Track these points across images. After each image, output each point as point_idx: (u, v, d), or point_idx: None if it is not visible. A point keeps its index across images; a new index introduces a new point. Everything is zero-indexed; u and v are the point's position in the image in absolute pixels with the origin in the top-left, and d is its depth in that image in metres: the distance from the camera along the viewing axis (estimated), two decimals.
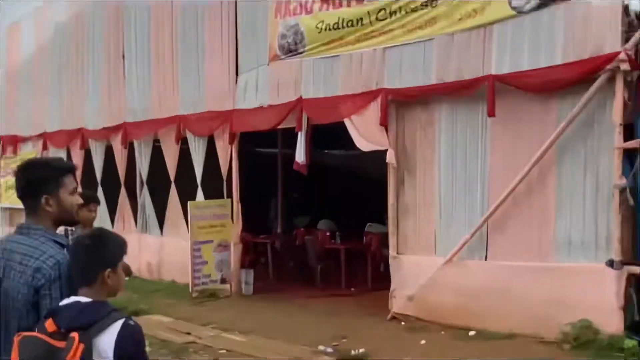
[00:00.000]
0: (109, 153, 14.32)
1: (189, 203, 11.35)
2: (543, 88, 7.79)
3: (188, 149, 12.50)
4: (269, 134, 12.22)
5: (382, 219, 11.60)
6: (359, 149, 9.81)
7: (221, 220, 11.44)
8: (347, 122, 9.63)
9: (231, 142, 11.58)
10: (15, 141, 17.26)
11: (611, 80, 7.32)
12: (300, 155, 10.32)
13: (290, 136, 10.68)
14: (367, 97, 9.42)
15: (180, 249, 11.77)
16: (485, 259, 8.46)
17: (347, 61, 9.79)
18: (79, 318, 2.53)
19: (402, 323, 8.91)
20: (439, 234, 8.92)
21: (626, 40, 7.24)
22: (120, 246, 2.76)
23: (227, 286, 11.52)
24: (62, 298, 2.70)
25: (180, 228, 12.54)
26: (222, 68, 11.76)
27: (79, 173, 14.85)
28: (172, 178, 12.78)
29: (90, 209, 6.30)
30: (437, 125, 8.94)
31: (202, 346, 8.45)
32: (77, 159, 15.03)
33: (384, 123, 9.19)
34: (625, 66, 7.13)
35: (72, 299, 2.63)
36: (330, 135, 12.23)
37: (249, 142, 13.41)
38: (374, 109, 9.31)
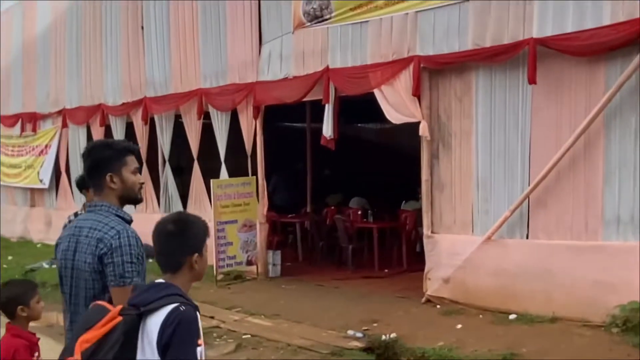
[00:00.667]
0: (129, 129, 14.34)
1: (212, 181, 11.29)
2: (589, 51, 7.47)
3: (211, 124, 12.43)
4: (296, 107, 12.07)
5: (418, 196, 11.44)
6: (391, 122, 9.62)
7: (246, 199, 11.36)
8: (377, 92, 9.45)
9: (255, 116, 11.47)
10: (34, 118, 17.39)
11: None
12: (327, 130, 10.17)
13: (319, 109, 10.52)
14: (398, 65, 9.20)
15: None
16: (527, 238, 8.23)
17: (376, 27, 9.56)
18: (140, 295, 2.64)
19: (437, 306, 8.76)
20: (477, 211, 8.70)
21: None
22: (204, 229, 2.83)
23: (253, 268, 11.48)
24: (124, 265, 3.07)
25: (203, 207, 12.52)
26: (244, 38, 11.62)
27: None
28: (194, 155, 12.74)
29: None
30: (473, 94, 8.68)
31: (225, 331, 8.42)
32: (97, 136, 15.11)
33: (417, 93, 8.97)
34: None
35: (153, 281, 2.74)
36: (361, 108, 12.06)
37: (275, 116, 13.30)
38: (405, 78, 9.10)
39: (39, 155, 17.10)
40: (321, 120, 10.37)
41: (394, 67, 9.24)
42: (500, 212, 8.35)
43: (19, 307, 4.03)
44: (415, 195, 12.18)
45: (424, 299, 9.04)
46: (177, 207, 13.37)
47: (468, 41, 8.51)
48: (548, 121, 8.03)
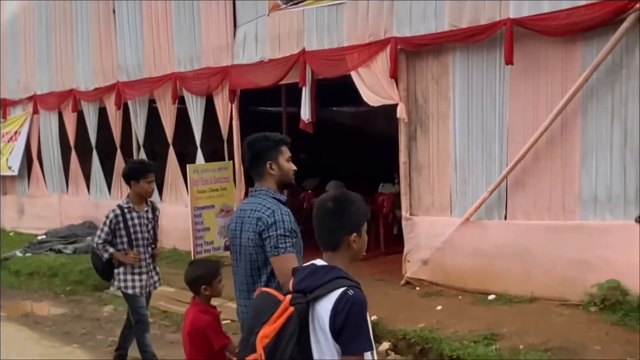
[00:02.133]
0: (102, 115, 14.21)
1: (188, 166, 11.23)
2: (565, 31, 7.50)
3: (186, 108, 12.33)
4: (272, 90, 12.01)
5: (395, 179, 11.48)
6: (368, 105, 9.61)
7: (222, 184, 11.32)
8: (354, 75, 9.42)
9: (231, 101, 11.39)
10: (4, 105, 17.15)
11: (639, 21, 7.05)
12: (305, 113, 10.13)
13: (295, 93, 10.48)
14: (375, 47, 9.17)
15: (181, 215, 11.69)
16: (505, 219, 8.29)
17: (352, 9, 9.52)
18: (304, 281, 2.67)
19: (417, 288, 8.81)
20: (455, 193, 8.74)
21: None
22: (363, 209, 2.87)
23: None
24: (277, 238, 3.54)
25: (179, 193, 12.49)
26: (218, 21, 11.52)
27: (72, 137, 14.81)
28: (169, 140, 12.65)
29: (148, 180, 6.28)
30: (451, 75, 8.69)
31: None
32: (70, 122, 14.94)
33: (394, 75, 8.97)
34: None
35: (311, 262, 2.82)
36: (337, 91, 12.03)
37: (251, 100, 13.22)
38: (382, 60, 9.09)
39: (9, 142, 16.86)
40: (297, 104, 10.33)
41: (371, 49, 9.22)
42: (478, 194, 8.40)
43: (203, 286, 4.52)
44: (392, 178, 12.21)
45: (403, 281, 9.08)
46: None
47: (445, 22, 8.50)
48: (525, 102, 8.06)
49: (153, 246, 6.57)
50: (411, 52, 8.98)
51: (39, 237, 14.03)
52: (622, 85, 7.36)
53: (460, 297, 8.21)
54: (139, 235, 6.38)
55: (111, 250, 6.31)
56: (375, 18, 9.24)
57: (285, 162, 3.82)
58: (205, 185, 11.06)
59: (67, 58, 15.04)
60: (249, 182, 12.00)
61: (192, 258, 10.81)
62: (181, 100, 12.42)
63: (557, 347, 6.27)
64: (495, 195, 8.27)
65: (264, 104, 17.49)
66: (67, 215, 15.34)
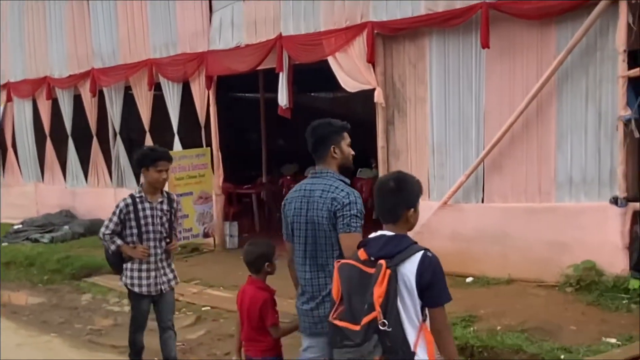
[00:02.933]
0: (77, 102, 14.09)
1: None
2: (540, 14, 7.58)
3: (162, 95, 12.27)
4: (249, 76, 11.98)
5: (373, 164, 11.52)
6: (346, 90, 9.63)
7: (201, 171, 11.30)
8: (331, 60, 9.44)
9: (208, 87, 11.36)
10: None
11: (614, 3, 7.12)
12: (282, 99, 10.13)
13: (272, 78, 10.47)
14: (352, 32, 9.20)
15: None
16: (482, 202, 8.38)
17: None
18: (385, 248, 3.11)
19: None
20: (433, 177, 8.82)
21: None
22: (418, 187, 3.37)
23: (210, 240, 11.46)
24: (351, 217, 3.86)
25: None
26: (194, 6, 11.46)
27: (47, 125, 14.68)
28: (146, 127, 12.59)
29: (158, 169, 5.74)
30: (427, 59, 8.74)
31: (184, 304, 8.42)
32: (44, 110, 14.81)
33: (371, 60, 9.00)
34: None
35: (379, 232, 3.24)
36: (316, 76, 12.02)
37: (228, 86, 13.19)
38: (359, 45, 9.11)
39: None
40: (274, 90, 10.33)
41: (348, 33, 9.23)
42: (455, 177, 8.48)
43: (266, 263, 4.69)
44: (369, 163, 12.26)
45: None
46: (130, 180, 13.24)
47: (421, 6, 8.54)
48: (501, 85, 8.14)
49: (168, 240, 5.96)
50: (388, 36, 9.01)
51: (15, 227, 13.93)
52: (596, 67, 7.45)
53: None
54: (150, 228, 5.80)
55: (119, 242, 5.79)
56: (351, 2, 9.25)
57: (346, 147, 4.09)
58: (183, 172, 11.04)
59: (40, 44, 14.87)
60: (227, 169, 11.98)
61: None
62: (157, 87, 12.35)
63: (533, 328, 6.36)
64: (472, 178, 8.35)
65: (241, 90, 17.43)
66: (43, 204, 15.23)
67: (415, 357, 3.05)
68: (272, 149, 15.38)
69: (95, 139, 13.86)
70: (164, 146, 11.62)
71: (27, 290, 10.35)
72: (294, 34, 9.98)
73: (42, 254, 11.71)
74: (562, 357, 5.76)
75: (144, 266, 5.84)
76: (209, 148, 11.54)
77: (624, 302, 6.85)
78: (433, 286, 3.06)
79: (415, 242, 3.18)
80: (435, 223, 8.51)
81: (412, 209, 3.29)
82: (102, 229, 5.83)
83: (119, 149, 13.43)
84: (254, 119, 14.85)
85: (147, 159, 5.75)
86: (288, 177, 13.59)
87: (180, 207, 6.08)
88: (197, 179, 11.24)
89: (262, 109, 14.53)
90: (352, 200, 3.95)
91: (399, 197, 3.26)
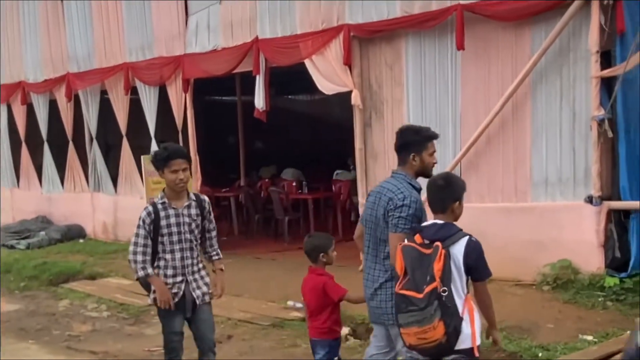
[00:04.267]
0: (53, 107, 13.98)
1: (142, 157, 11.13)
2: (514, 16, 7.66)
3: (139, 99, 12.21)
4: (226, 79, 11.97)
5: (350, 166, 11.56)
6: (322, 92, 9.64)
7: None
8: (307, 62, 9.45)
9: (185, 90, 11.32)
10: None
11: (586, 4, 7.21)
12: (259, 101, 10.11)
13: (249, 81, 10.46)
14: (328, 34, 9.21)
15: (137, 206, 11.46)
16: None
17: None
18: (438, 233, 3.76)
19: None
20: None
21: None
22: (462, 184, 4.03)
23: None
24: (407, 218, 4.13)
25: (135, 185, 12.40)
26: (170, 9, 11.42)
27: (22, 130, 14.54)
28: (123, 131, 12.52)
29: (172, 169, 4.98)
30: (403, 62, 8.78)
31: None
32: (19, 115, 14.67)
33: (348, 62, 9.03)
34: None
35: (431, 221, 3.92)
36: (294, 79, 12.04)
37: (205, 89, 13.16)
38: (336, 47, 9.13)
39: None
40: (252, 93, 10.32)
41: (324, 36, 9.25)
42: None
43: (321, 253, 5.07)
44: (347, 165, 12.30)
45: (361, 267, 9.15)
46: (107, 185, 13.17)
47: (396, 8, 8.57)
48: (477, 86, 8.20)
49: (213, 254, 5.40)
50: (364, 38, 9.04)
51: None
52: (570, 68, 7.54)
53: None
54: (176, 238, 5.05)
55: (150, 271, 5.00)
56: (327, 5, 9.27)
57: (428, 156, 4.29)
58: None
59: (14, 49, 14.73)
60: (205, 172, 11.94)
61: None
62: (134, 91, 12.29)
63: (511, 326, 6.41)
64: None
65: (218, 93, 17.40)
66: (19, 210, 15.07)
67: (463, 322, 3.72)
68: (250, 152, 15.37)
69: (71, 144, 13.75)
70: (140, 151, 11.79)
71: (4, 297, 10.22)
72: (271, 37, 9.97)
73: (18, 260, 11.60)
74: (539, 354, 5.82)
75: (169, 278, 5.06)
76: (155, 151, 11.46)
77: (600, 299, 6.93)
78: (477, 264, 3.76)
79: (461, 229, 3.80)
80: None
81: (458, 202, 3.91)
82: (131, 254, 5.05)
83: (95, 153, 13.34)
84: (232, 121, 14.82)
85: (159, 161, 5.02)
86: (266, 180, 13.60)
87: (211, 210, 5.36)
88: None
89: (239, 111, 14.49)
90: (406, 203, 4.17)
91: (447, 192, 3.90)
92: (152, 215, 5.02)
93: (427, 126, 4.55)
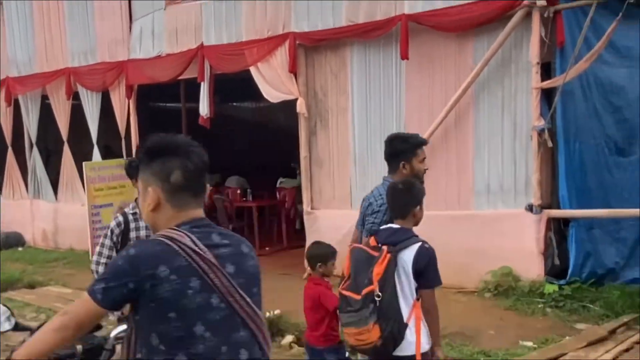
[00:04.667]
0: None
1: (84, 164, 10.86)
2: (458, 27, 7.75)
3: (81, 104, 11.94)
4: (171, 86, 11.79)
5: (296, 173, 11.52)
6: (267, 100, 9.58)
7: (121, 182, 10.99)
8: (253, 70, 9.38)
9: (128, 96, 11.11)
10: None
11: (527, 17, 7.34)
12: (204, 109, 10.01)
13: (194, 88, 10.33)
14: (274, 42, 9.17)
15: (78, 214, 11.31)
16: None
17: (250, 3, 9.48)
18: (391, 237, 3.77)
19: None
20: (355, 186, 8.86)
21: None
22: (422, 189, 4.01)
23: None
24: (380, 224, 4.13)
25: (76, 192, 12.10)
26: (113, 14, 11.21)
27: None
28: (64, 137, 12.22)
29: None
30: (349, 70, 8.80)
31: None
32: None
33: (293, 70, 9.00)
34: (541, 1, 7.16)
35: (389, 225, 3.93)
36: (237, 86, 11.94)
37: (149, 95, 12.94)
38: (281, 55, 9.09)
39: None
40: (196, 100, 10.19)
41: (270, 43, 9.20)
42: None
43: (319, 263, 5.16)
44: (293, 172, 12.26)
45: (305, 275, 9.07)
46: (47, 191, 12.83)
47: (342, 17, 8.59)
48: (421, 95, 8.26)
49: None
50: (310, 46, 9.03)
51: None
52: (512, 79, 7.66)
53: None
54: None
55: None
56: (273, 12, 9.22)
57: (418, 163, 4.31)
58: (102, 183, 10.73)
59: None
60: None
61: (90, 258, 10.48)
62: (76, 96, 12.01)
63: (454, 333, 6.43)
64: None
65: (162, 100, 17.16)
66: None
67: (407, 329, 3.69)
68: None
69: (10, 150, 13.36)
70: (81, 157, 11.50)
71: None
72: (216, 44, 9.88)
73: None
74: None
75: None
76: (129, 159, 11.26)
77: (540, 306, 7.03)
78: (426, 272, 3.71)
79: (416, 236, 3.79)
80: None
81: (419, 206, 3.90)
82: (94, 264, 4.80)
83: (35, 159, 12.99)
84: (176, 129, 14.58)
85: (133, 169, 4.44)
86: (210, 188, 13.42)
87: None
88: (117, 189, 10.93)
89: (183, 119, 14.30)
90: (382, 210, 4.26)
91: (408, 197, 3.89)
92: (122, 225, 4.78)
93: (415, 133, 4.63)
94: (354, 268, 3.81)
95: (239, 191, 12.55)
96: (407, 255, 3.70)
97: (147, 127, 12.30)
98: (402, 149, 4.31)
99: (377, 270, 3.65)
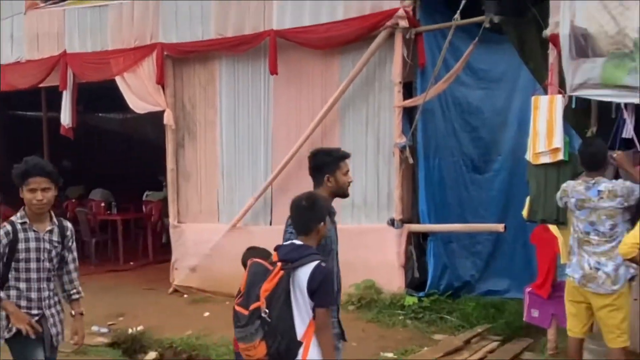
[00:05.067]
0: None
1: None
2: (324, 44, 7.88)
3: None
4: (32, 93, 11.25)
5: (163, 186, 11.29)
6: (134, 111, 9.36)
7: None
8: (118, 80, 9.12)
9: None
10: None
11: (390, 37, 7.57)
12: (65, 118, 9.64)
13: (57, 97, 9.91)
14: (141, 52, 8.98)
15: None
16: (270, 224, 8.47)
17: (117, 11, 9.25)
18: (290, 253, 3.64)
19: (185, 296, 8.74)
20: (222, 200, 8.80)
21: None
22: (328, 204, 3.95)
23: None
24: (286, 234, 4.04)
25: None
26: None
27: None
28: None
29: (30, 187, 4.27)
30: (217, 83, 8.76)
31: None
32: None
33: (160, 81, 8.85)
34: (403, 23, 7.40)
35: (291, 241, 3.79)
36: (103, 96, 11.58)
37: (8, 103, 12.33)
38: (148, 66, 8.92)
39: None
40: (58, 109, 9.79)
41: (137, 54, 8.99)
42: (245, 200, 8.51)
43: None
44: (159, 181, 12.02)
45: (171, 290, 8.95)
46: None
47: (211, 30, 8.54)
48: (289, 111, 8.33)
49: (73, 292, 4.53)
50: (178, 58, 8.90)
51: None
52: (376, 97, 7.87)
53: (227, 302, 8.20)
54: (33, 266, 4.29)
55: (1, 294, 4.22)
56: (140, 22, 9.03)
57: (342, 176, 4.22)
58: None
59: None
60: (6, 191, 11.13)
61: None
62: None
63: None
64: (261, 201, 8.43)
65: (22, 108, 16.34)
66: None
67: (301, 347, 3.61)
68: (57, 171, 14.51)
69: None
70: None
71: None
72: (80, 52, 9.54)
73: None
74: None
75: (25, 311, 4.26)
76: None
77: (400, 318, 7.22)
78: (319, 290, 3.58)
79: (317, 254, 3.68)
80: (224, 245, 8.46)
81: (322, 223, 3.77)
82: None
83: None
84: (37, 138, 13.94)
85: (16, 176, 4.33)
86: (73, 200, 12.91)
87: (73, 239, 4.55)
88: None
89: (44, 128, 13.67)
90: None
91: (311, 213, 3.75)
92: (10, 235, 4.27)
93: (337, 147, 4.62)
94: (250, 282, 3.73)
95: (103, 204, 12.14)
96: (304, 273, 3.58)
97: (6, 136, 11.74)
98: (326, 163, 4.23)
99: (266, 286, 3.58)
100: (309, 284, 3.56)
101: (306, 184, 8.03)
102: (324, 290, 3.62)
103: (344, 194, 4.31)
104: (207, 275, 8.66)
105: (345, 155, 4.32)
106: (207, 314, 7.89)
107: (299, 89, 8.24)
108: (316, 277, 3.58)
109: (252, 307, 3.61)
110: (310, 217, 3.76)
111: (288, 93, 8.29)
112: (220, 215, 8.77)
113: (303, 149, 8.10)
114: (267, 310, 3.56)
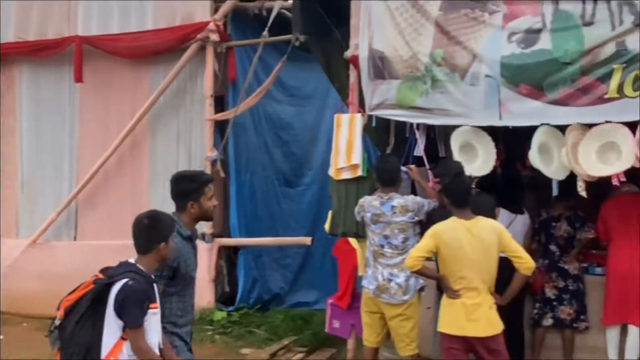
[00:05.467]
0: None
1: None
2: (133, 53, 7.73)
3: None
4: None
5: None
6: None
7: None
8: None
9: None
10: None
11: (202, 50, 7.54)
12: None
13: None
14: None
15: None
16: (75, 239, 8.15)
17: None
18: (115, 270, 3.54)
19: None
20: (22, 214, 8.36)
21: (216, 10, 7.54)
22: (170, 224, 3.67)
23: None
24: None
25: None
26: None
27: None
28: None
29: None
30: (17, 89, 8.36)
31: None
32: None
33: None
34: (214, 37, 7.42)
35: (126, 259, 3.62)
36: None
37: None
38: None
39: None
40: None
41: None
42: (47, 214, 8.11)
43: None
44: None
45: None
46: None
47: (10, 33, 8.14)
48: (96, 121, 8.06)
49: None
50: None
51: None
52: (187, 110, 7.82)
53: (25, 324, 7.77)
54: None
55: None
56: None
57: (207, 201, 4.02)
58: None
59: None
60: None
61: None
62: None
63: None
64: (64, 215, 8.06)
65: None
66: None
67: None
68: None
69: None
70: None
71: None
72: None
73: None
74: None
75: None
76: None
77: (209, 333, 7.16)
78: (123, 309, 3.47)
79: (137, 272, 3.52)
80: (23, 263, 8.01)
81: (164, 243, 3.59)
82: None
83: None
84: (202, 171, 12.60)
85: None
86: None
87: None
88: None
89: None
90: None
91: (152, 232, 3.59)
92: None
93: (200, 170, 4.54)
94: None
95: None
96: (114, 290, 3.47)
97: None
98: (190, 190, 4.01)
99: (70, 297, 3.51)
100: (114, 301, 3.48)
101: (114, 197, 7.90)
102: (127, 309, 3.49)
103: (208, 218, 4.18)
104: (4, 295, 8.08)
105: (209, 180, 4.17)
106: (1, 337, 7.37)
107: (108, 99, 8.00)
108: (120, 295, 3.48)
109: (54, 314, 3.58)
110: (150, 236, 3.62)
111: (95, 103, 8.02)
112: (19, 229, 8.28)
113: (110, 161, 7.89)
114: (60, 321, 3.50)
